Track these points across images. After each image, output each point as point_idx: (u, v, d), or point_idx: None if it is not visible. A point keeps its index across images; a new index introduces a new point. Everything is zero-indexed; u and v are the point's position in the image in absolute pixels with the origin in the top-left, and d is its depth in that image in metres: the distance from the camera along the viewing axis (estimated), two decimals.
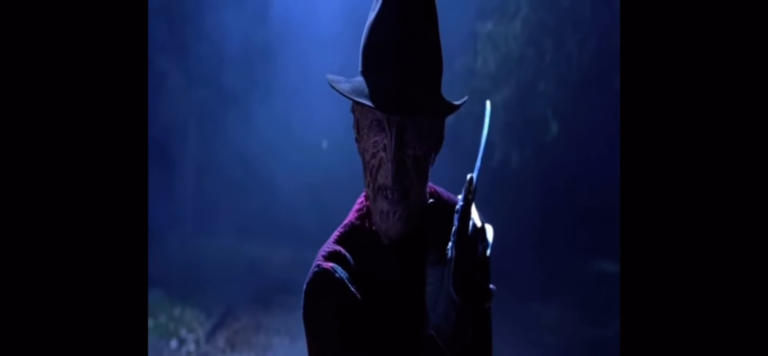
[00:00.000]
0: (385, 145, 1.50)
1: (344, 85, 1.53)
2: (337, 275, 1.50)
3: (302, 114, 8.58)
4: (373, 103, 1.48)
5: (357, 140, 1.57)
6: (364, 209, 1.61)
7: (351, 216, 1.62)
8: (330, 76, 1.55)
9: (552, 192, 8.61)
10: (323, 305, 1.50)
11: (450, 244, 1.50)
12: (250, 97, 8.75)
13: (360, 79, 1.55)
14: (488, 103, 1.60)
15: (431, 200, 1.60)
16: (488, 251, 1.54)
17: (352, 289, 1.50)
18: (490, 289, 1.54)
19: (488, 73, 8.63)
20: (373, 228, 1.57)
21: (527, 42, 8.56)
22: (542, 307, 7.48)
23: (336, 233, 1.59)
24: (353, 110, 1.58)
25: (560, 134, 8.38)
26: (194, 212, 8.75)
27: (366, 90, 1.50)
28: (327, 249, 1.55)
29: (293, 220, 8.46)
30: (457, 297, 1.47)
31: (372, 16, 1.54)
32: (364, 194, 1.62)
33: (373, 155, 1.52)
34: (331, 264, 1.52)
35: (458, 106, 1.56)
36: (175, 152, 8.69)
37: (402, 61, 1.50)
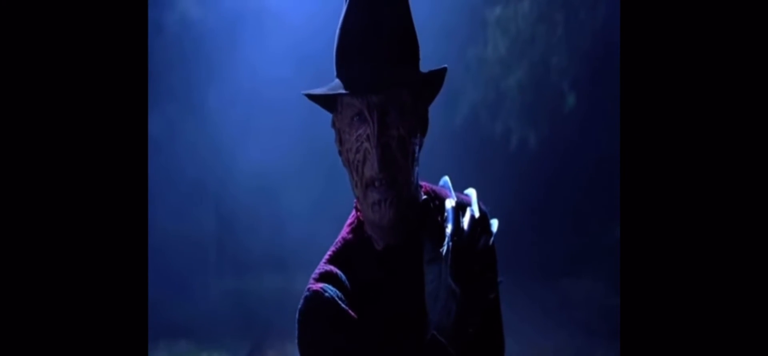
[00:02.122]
0: (368, 135, 1.48)
1: (319, 90, 1.52)
2: (326, 294, 1.48)
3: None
4: (351, 90, 1.47)
5: (340, 152, 1.55)
6: (356, 222, 1.59)
7: (343, 232, 1.60)
8: (305, 91, 1.54)
9: (574, 164, 8.59)
10: (314, 328, 1.49)
11: (446, 239, 1.49)
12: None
13: (336, 81, 1.53)
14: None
15: (425, 197, 1.58)
16: (491, 241, 1.53)
17: (344, 306, 1.49)
18: (494, 279, 1.54)
19: (499, 58, 8.75)
20: (366, 238, 1.56)
21: (537, 19, 8.68)
22: (571, 282, 7.46)
23: (328, 253, 1.57)
24: (334, 124, 1.56)
25: (578, 103, 8.37)
26: (217, 253, 8.57)
27: (341, 84, 1.50)
28: (318, 271, 1.54)
29: (303, 245, 8.31)
30: (456, 286, 1.47)
31: (341, 18, 1.54)
32: (354, 209, 1.60)
33: (357, 150, 1.50)
34: (320, 285, 1.50)
35: (437, 72, 1.54)
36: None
37: (373, 47, 1.49)
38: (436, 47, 8.10)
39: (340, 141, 1.55)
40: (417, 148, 1.53)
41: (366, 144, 1.49)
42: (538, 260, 7.79)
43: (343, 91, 1.47)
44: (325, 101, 1.55)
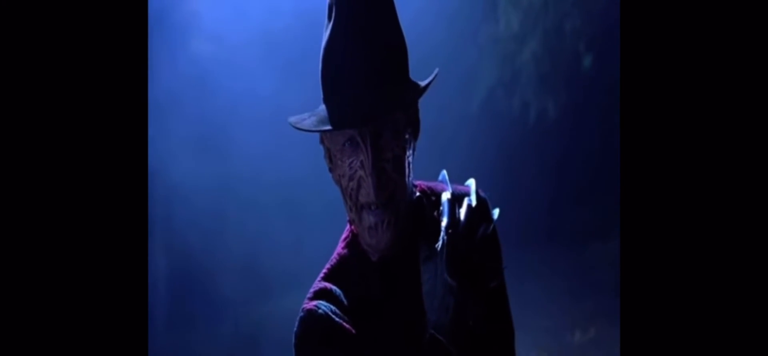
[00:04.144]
0: (361, 162, 1.44)
1: (307, 121, 1.47)
2: (320, 311, 1.46)
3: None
4: (339, 125, 1.42)
5: (331, 170, 1.51)
6: (350, 236, 1.56)
7: (338, 248, 1.57)
8: (292, 118, 1.49)
9: (596, 125, 8.48)
10: (310, 346, 1.46)
11: (441, 234, 1.46)
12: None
13: (322, 107, 1.48)
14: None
15: (418, 194, 1.54)
16: (490, 229, 1.50)
17: (338, 321, 1.46)
18: (497, 267, 1.50)
19: (513, 34, 8.64)
20: (361, 251, 1.52)
21: None
22: (599, 246, 7.43)
23: (323, 270, 1.55)
24: (322, 141, 1.52)
25: (594, 64, 8.27)
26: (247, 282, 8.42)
27: (330, 115, 1.44)
28: (312, 289, 1.52)
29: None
30: (452, 281, 1.43)
31: (324, 40, 1.48)
32: (348, 222, 1.56)
33: (351, 178, 1.46)
34: (314, 303, 1.48)
35: (429, 84, 1.49)
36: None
37: (362, 72, 1.43)
38: (449, 33, 8.11)
39: (331, 161, 1.50)
40: (411, 158, 1.50)
41: (360, 172, 1.44)
42: (564, 227, 7.72)
43: (329, 127, 1.41)
44: (317, 127, 1.47)
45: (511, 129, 8.50)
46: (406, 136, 1.47)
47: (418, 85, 1.49)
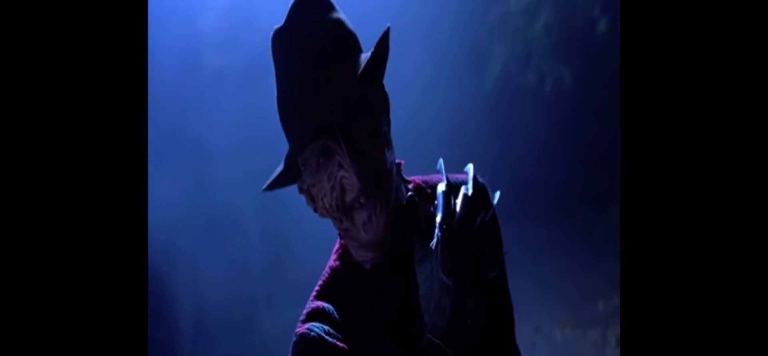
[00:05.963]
0: (339, 163, 1.39)
1: (278, 172, 1.47)
2: (312, 334, 1.44)
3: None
4: (306, 144, 1.39)
5: (315, 209, 1.48)
6: (341, 248, 1.54)
7: (330, 261, 1.56)
8: (265, 187, 1.48)
9: (612, 92, 8.33)
10: None
11: (436, 231, 1.42)
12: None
13: (288, 151, 1.46)
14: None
15: (411, 192, 1.49)
16: (488, 216, 1.45)
17: (331, 341, 1.44)
18: (497, 256, 1.45)
19: (523, 8, 8.53)
20: (354, 263, 1.49)
21: None
22: (618, 210, 7.37)
23: (316, 288, 1.54)
24: (301, 189, 1.49)
25: (609, 28, 8.14)
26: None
27: (294, 150, 1.42)
28: (304, 311, 1.50)
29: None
30: (448, 279, 1.40)
31: (277, 88, 1.47)
32: (339, 235, 1.54)
33: (333, 187, 1.41)
34: (306, 326, 1.47)
35: (380, 53, 1.42)
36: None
37: (309, 90, 1.39)
38: (458, 17, 8.04)
39: (313, 198, 1.46)
40: (386, 129, 1.44)
41: (341, 172, 1.40)
42: (584, 194, 7.69)
43: (302, 142, 1.39)
44: (289, 175, 1.47)
45: (528, 102, 8.48)
46: (376, 113, 1.42)
47: (367, 66, 1.42)
